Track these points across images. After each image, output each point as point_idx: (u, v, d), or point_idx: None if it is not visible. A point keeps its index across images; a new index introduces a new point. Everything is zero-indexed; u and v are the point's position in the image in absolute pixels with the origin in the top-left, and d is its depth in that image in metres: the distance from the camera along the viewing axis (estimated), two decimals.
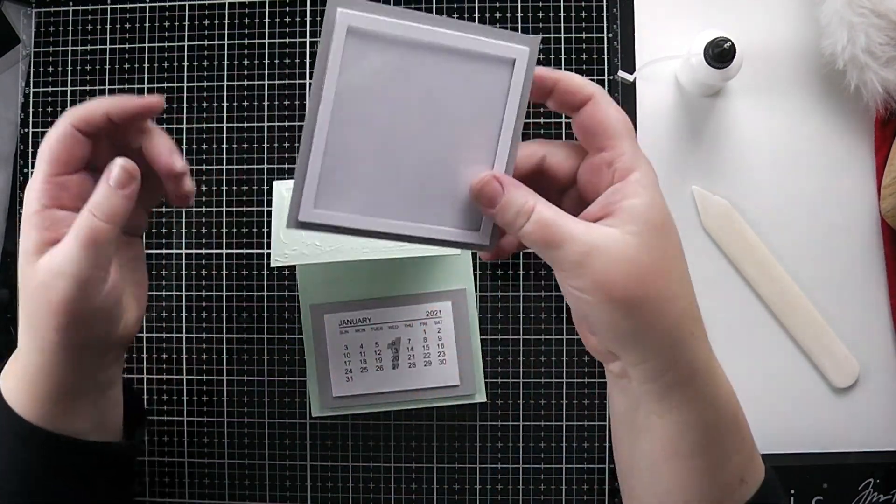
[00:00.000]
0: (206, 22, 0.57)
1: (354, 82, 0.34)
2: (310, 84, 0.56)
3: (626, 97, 0.55)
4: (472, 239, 0.37)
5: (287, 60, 0.56)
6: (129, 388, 0.47)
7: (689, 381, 0.36)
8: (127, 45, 0.57)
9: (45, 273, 0.38)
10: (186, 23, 0.57)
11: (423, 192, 0.36)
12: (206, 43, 0.56)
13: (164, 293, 0.56)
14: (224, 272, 0.56)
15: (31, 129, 0.57)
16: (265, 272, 0.55)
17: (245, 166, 0.56)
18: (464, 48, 0.34)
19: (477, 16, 0.55)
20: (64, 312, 0.38)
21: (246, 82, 0.56)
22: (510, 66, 0.34)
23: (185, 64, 0.56)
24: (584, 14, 0.55)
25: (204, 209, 0.56)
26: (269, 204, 0.56)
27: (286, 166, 0.56)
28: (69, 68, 0.57)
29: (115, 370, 0.44)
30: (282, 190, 0.47)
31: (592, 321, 0.35)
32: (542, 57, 0.55)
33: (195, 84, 0.56)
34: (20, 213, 0.56)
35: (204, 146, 0.56)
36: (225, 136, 0.56)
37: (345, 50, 0.33)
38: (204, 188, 0.56)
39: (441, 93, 0.34)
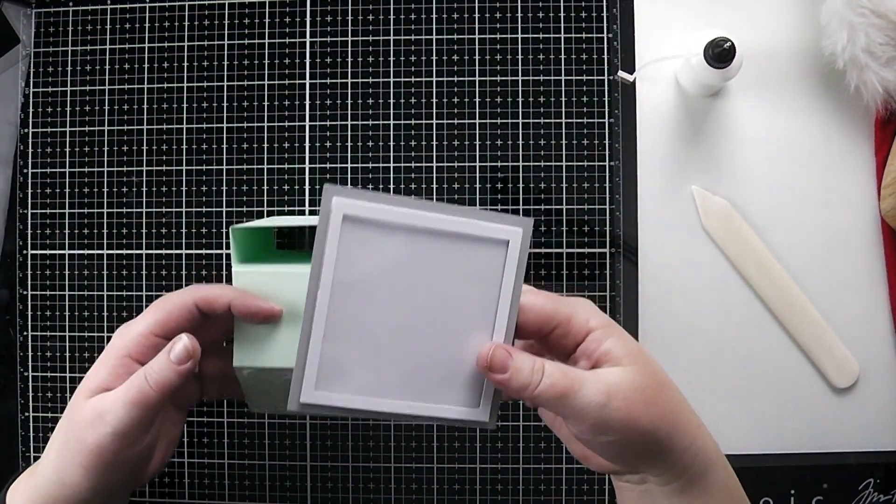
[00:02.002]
0: (206, 22, 0.57)
1: (352, 269, 0.35)
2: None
3: (626, 97, 0.55)
4: (474, 416, 0.37)
5: (287, 60, 0.56)
6: None
7: (707, 469, 0.38)
8: (127, 45, 0.57)
9: (90, 413, 0.40)
10: (186, 23, 0.57)
11: (423, 372, 0.37)
12: (206, 43, 0.56)
13: (164, 293, 0.56)
14: (224, 272, 0.56)
15: (30, 130, 0.57)
16: None
17: (245, 166, 0.56)
18: (459, 231, 0.35)
19: (477, 16, 0.55)
20: (94, 455, 0.40)
21: (246, 82, 0.56)
22: (505, 246, 0.36)
23: (185, 64, 0.56)
24: (584, 14, 0.55)
25: (204, 209, 0.56)
26: (269, 204, 0.56)
27: (286, 166, 0.56)
28: (69, 68, 0.57)
29: None
30: (243, 372, 0.45)
31: (618, 455, 0.37)
32: (542, 57, 0.55)
33: (195, 84, 0.56)
34: (20, 214, 0.56)
35: (204, 146, 0.56)
36: (225, 136, 0.56)
37: (341, 237, 0.34)
38: (204, 188, 0.56)
39: (438, 274, 0.36)
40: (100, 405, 0.40)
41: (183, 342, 0.41)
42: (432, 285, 0.36)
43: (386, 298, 0.35)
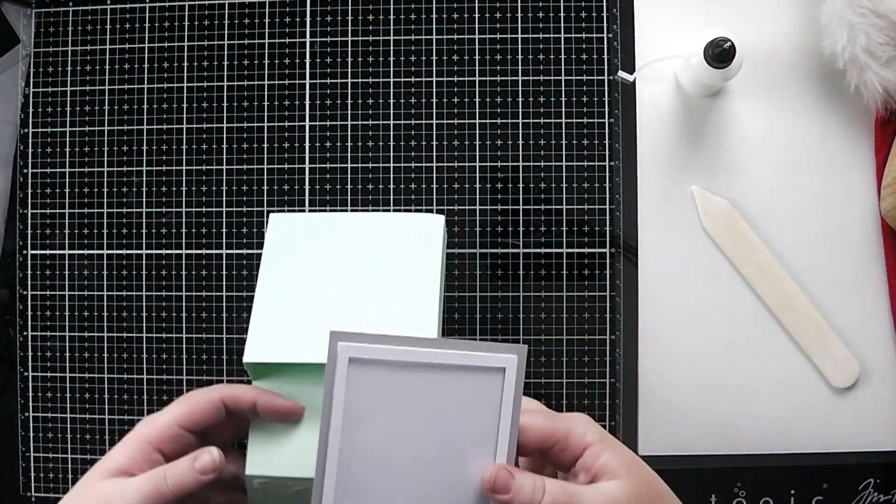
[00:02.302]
0: (206, 22, 0.57)
1: (360, 407, 0.37)
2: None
3: (626, 97, 0.55)
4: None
5: (287, 60, 0.56)
6: None
7: None
8: (127, 45, 0.57)
9: (102, 495, 0.41)
10: (186, 23, 0.57)
11: (432, 496, 0.39)
12: (206, 43, 0.56)
13: (164, 293, 0.56)
14: (224, 272, 0.56)
15: (31, 130, 0.57)
16: None
17: (245, 166, 0.56)
18: (458, 363, 0.38)
19: (477, 16, 0.55)
20: None
21: (246, 82, 0.56)
22: (502, 373, 0.38)
23: (185, 64, 0.56)
24: (584, 14, 0.55)
25: (204, 209, 0.56)
26: (269, 204, 0.56)
27: (286, 166, 0.56)
28: (69, 68, 0.57)
29: None
30: (254, 483, 0.46)
31: None
32: (542, 57, 0.55)
33: (195, 84, 0.56)
34: (20, 214, 0.56)
35: (204, 146, 0.56)
36: (225, 136, 0.56)
37: (348, 379, 0.37)
38: (204, 188, 0.56)
39: (441, 403, 0.38)
40: (113, 490, 0.41)
41: (212, 455, 0.42)
42: (436, 413, 0.38)
43: (393, 429, 0.38)
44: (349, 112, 0.56)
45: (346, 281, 0.49)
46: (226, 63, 0.56)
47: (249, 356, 0.46)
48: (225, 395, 0.45)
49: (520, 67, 0.55)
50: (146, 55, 0.57)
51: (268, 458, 0.46)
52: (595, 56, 0.55)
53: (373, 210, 0.55)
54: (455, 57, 0.55)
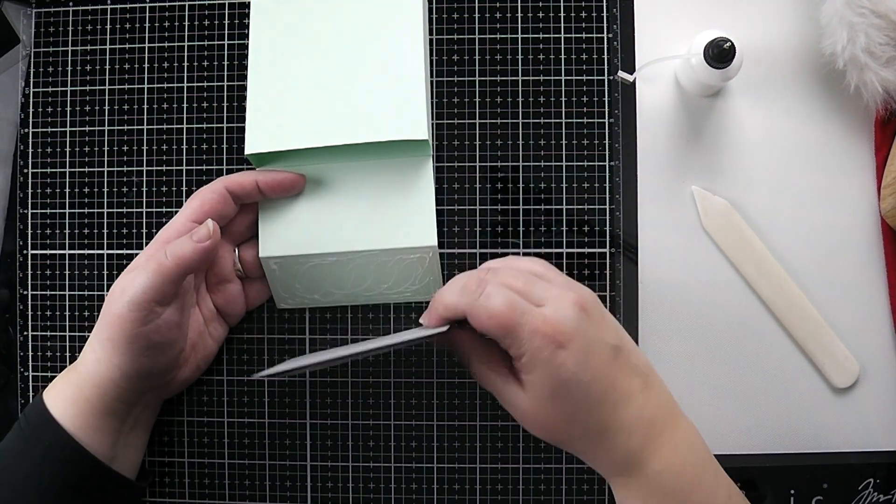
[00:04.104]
0: (206, 22, 0.57)
1: None
2: None
3: (626, 97, 0.55)
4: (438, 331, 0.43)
5: None
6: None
7: (612, 474, 0.42)
8: (127, 45, 0.57)
9: (117, 289, 0.44)
10: (186, 23, 0.57)
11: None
12: (206, 43, 0.56)
13: None
14: None
15: (31, 129, 0.57)
16: None
17: (245, 166, 0.56)
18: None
19: (477, 16, 0.55)
20: (116, 326, 0.44)
21: (246, 82, 0.56)
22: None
23: (185, 64, 0.56)
24: (584, 14, 0.55)
25: None
26: None
27: None
28: (69, 68, 0.57)
29: (150, 414, 0.50)
30: (270, 264, 0.50)
31: None
32: (542, 57, 0.55)
33: (195, 84, 0.56)
34: (20, 213, 0.56)
35: (204, 146, 0.56)
36: (225, 136, 0.56)
37: None
38: None
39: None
40: (125, 280, 0.44)
41: (207, 226, 0.45)
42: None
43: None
44: None
45: (334, 61, 0.51)
46: (226, 63, 0.56)
47: (250, 147, 0.49)
48: (227, 182, 0.48)
49: (520, 67, 0.55)
50: (146, 55, 0.57)
51: (278, 240, 0.50)
52: (595, 56, 0.55)
53: None
54: (455, 57, 0.55)
